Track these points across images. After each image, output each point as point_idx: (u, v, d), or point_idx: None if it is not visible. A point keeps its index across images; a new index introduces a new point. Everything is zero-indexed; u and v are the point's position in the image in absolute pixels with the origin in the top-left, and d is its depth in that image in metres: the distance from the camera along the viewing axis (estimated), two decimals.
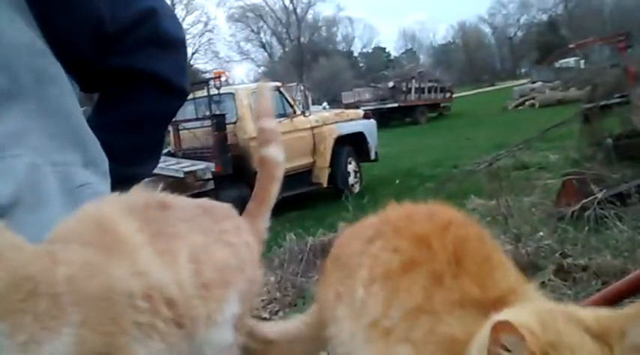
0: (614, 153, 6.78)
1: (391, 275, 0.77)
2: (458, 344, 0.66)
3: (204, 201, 0.98)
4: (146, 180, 1.26)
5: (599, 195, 4.58)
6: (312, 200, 8.61)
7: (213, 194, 7.72)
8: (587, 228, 3.95)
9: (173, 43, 1.09)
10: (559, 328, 0.60)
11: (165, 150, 8.76)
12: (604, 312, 0.63)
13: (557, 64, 28.30)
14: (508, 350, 0.57)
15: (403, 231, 0.81)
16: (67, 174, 0.92)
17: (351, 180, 10.21)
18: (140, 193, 0.92)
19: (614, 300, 2.60)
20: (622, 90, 9.21)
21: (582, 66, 26.59)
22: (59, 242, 0.77)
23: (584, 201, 4.54)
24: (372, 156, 10.90)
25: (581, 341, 0.59)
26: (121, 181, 1.06)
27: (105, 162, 1.01)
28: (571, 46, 24.43)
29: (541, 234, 4.13)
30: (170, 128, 9.69)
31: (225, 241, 0.91)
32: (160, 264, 0.80)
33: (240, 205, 1.00)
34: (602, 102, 8.42)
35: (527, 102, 24.82)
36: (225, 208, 0.97)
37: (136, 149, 1.13)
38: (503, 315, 0.60)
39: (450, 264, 0.73)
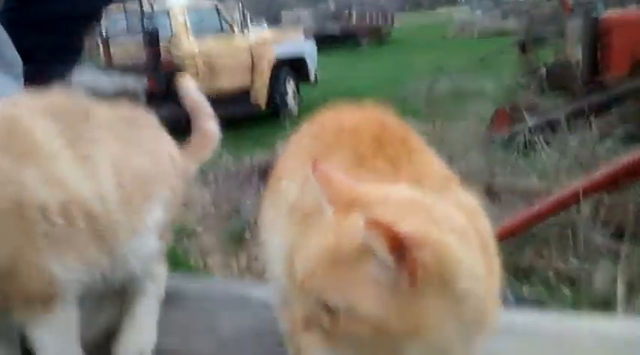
0: (547, 83, 6.97)
1: (312, 159, 0.76)
2: None
3: (126, 108, 0.94)
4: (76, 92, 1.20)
5: (531, 123, 4.73)
6: (250, 121, 8.49)
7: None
8: (516, 152, 4.08)
9: None
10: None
11: (95, 65, 8.33)
12: None
13: None
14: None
15: (328, 124, 0.82)
16: None
17: (290, 101, 10.05)
18: (60, 95, 0.85)
19: (536, 220, 2.72)
20: (557, 22, 9.37)
21: None
22: None
23: (516, 127, 4.68)
24: (312, 78, 10.73)
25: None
26: (36, 81, 1.00)
27: (19, 64, 0.94)
28: None
29: (472, 156, 4.24)
30: (100, 43, 9.20)
31: (146, 149, 0.88)
32: (80, 172, 0.74)
33: (172, 123, 0.97)
34: (538, 34, 8.57)
35: (466, 31, 24.93)
36: (148, 117, 0.95)
37: (53, 48, 1.07)
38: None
39: (372, 145, 0.73)
